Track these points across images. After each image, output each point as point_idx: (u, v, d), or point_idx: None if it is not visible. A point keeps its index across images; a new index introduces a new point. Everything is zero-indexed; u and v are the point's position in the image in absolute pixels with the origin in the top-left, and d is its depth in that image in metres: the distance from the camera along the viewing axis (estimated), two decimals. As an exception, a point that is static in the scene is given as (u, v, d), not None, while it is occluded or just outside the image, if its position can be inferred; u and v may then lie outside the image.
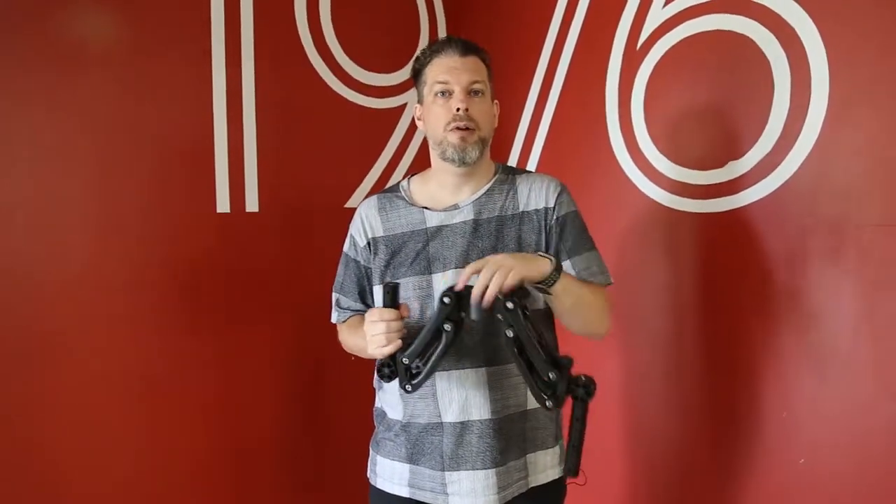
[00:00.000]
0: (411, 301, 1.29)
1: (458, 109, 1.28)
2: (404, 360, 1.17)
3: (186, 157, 1.88)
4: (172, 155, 1.85)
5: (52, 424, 1.65)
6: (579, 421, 1.13)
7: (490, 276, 1.10)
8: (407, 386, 1.19)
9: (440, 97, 1.30)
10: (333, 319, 1.48)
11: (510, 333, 1.11)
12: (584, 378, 1.12)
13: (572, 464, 1.14)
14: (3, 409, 1.60)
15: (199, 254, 1.89)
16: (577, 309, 1.27)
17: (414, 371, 1.19)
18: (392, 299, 1.19)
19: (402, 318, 1.19)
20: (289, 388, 2.09)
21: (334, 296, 1.46)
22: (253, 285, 2.00)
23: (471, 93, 1.30)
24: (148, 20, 1.80)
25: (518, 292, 1.12)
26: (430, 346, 1.17)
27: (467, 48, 1.32)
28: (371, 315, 1.20)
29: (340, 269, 1.45)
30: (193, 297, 1.88)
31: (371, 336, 1.19)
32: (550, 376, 1.10)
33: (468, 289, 1.13)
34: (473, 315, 1.12)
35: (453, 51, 1.31)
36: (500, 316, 1.11)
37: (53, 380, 1.65)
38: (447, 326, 1.15)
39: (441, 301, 1.14)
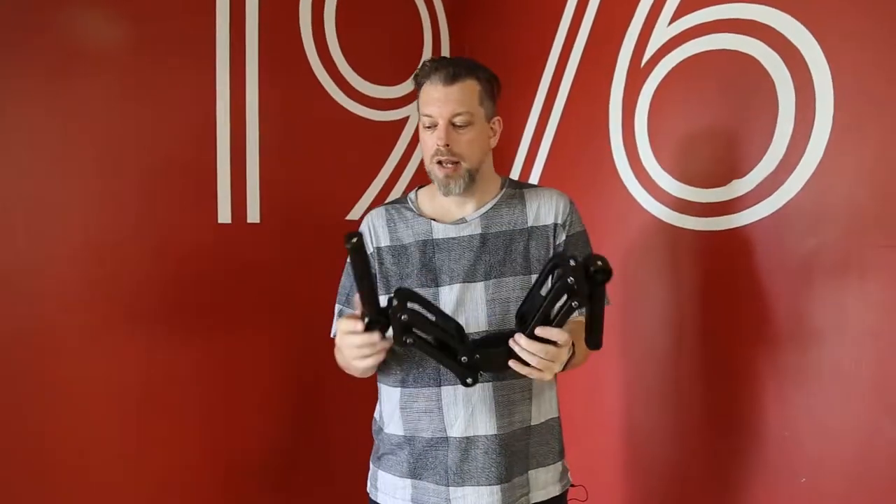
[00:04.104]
0: None
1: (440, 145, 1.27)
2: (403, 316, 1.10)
3: (188, 166, 1.86)
4: (174, 164, 1.83)
5: (47, 428, 1.62)
6: (601, 299, 1.11)
7: (538, 362, 1.09)
8: (407, 339, 1.11)
9: (427, 128, 1.30)
10: (333, 333, 1.43)
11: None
12: (599, 261, 1.06)
13: (598, 338, 1.13)
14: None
15: (198, 263, 1.88)
16: (581, 356, 1.28)
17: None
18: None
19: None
20: (287, 400, 2.07)
21: (337, 308, 1.43)
22: (252, 296, 1.98)
23: (454, 125, 1.28)
24: (152, 29, 1.79)
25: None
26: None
27: (454, 75, 1.26)
28: (346, 326, 1.13)
29: (345, 280, 1.42)
30: (192, 307, 1.87)
31: (353, 352, 1.13)
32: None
33: None
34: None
35: (438, 79, 1.26)
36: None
37: (48, 385, 1.62)
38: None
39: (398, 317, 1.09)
